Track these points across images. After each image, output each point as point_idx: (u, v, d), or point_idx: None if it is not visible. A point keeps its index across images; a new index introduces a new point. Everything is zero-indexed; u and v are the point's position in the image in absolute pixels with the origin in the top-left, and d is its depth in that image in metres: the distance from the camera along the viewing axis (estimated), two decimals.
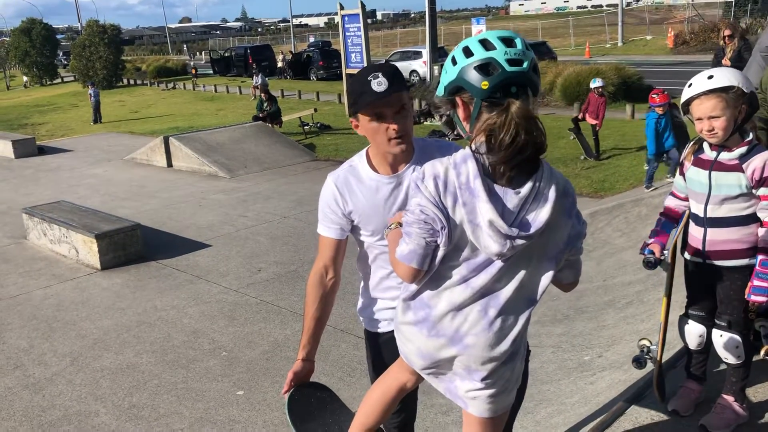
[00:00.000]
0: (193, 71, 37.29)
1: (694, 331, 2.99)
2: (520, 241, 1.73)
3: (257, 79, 25.77)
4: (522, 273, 1.84)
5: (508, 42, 1.72)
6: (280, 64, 37.31)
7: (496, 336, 1.85)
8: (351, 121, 2.32)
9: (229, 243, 8.01)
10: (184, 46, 73.23)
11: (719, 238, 2.78)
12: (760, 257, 2.71)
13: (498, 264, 1.81)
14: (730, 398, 2.93)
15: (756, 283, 2.70)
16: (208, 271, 7.08)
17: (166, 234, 8.48)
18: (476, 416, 1.98)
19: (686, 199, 2.97)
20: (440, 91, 1.84)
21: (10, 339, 5.70)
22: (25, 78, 45.85)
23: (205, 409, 4.45)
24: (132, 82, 39.79)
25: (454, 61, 1.78)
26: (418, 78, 26.73)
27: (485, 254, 1.79)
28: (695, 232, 2.87)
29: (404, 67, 28.75)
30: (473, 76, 1.72)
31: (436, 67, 22.06)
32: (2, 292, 6.81)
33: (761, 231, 2.71)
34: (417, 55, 28.06)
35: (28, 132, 20.16)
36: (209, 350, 5.28)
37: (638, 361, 3.21)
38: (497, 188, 1.74)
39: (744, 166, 2.68)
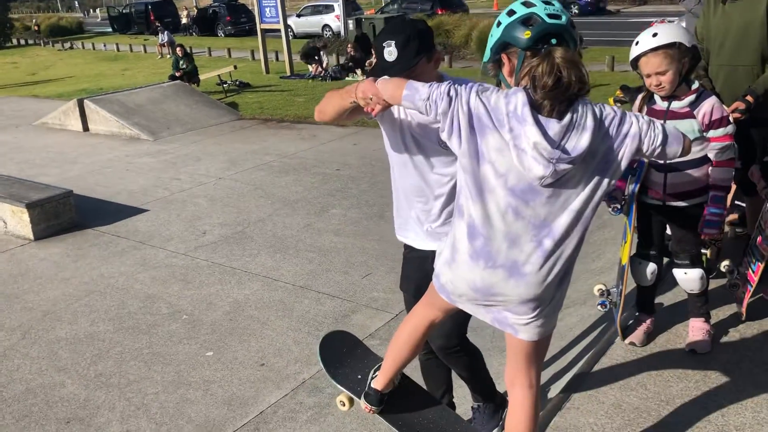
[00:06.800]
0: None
1: (650, 269, 3.25)
2: (562, 166, 1.87)
3: (163, 37, 24.82)
4: (571, 196, 1.94)
5: (546, 1, 1.91)
6: (184, 20, 35.90)
7: (551, 262, 1.97)
8: None
9: (166, 207, 7.83)
10: (75, 2, 69.01)
11: (678, 180, 3.04)
12: (711, 193, 2.99)
13: (546, 192, 1.92)
14: (700, 320, 3.25)
15: (708, 217, 2.98)
16: (150, 236, 6.92)
17: (97, 200, 8.16)
18: (525, 341, 2.10)
19: None
20: (487, 56, 1.99)
21: None
22: None
23: (176, 372, 4.44)
24: (23, 42, 37.29)
25: (498, 24, 1.96)
26: (331, 33, 26.40)
27: (530, 179, 1.90)
28: (656, 177, 3.11)
29: (316, 21, 28.31)
30: (517, 30, 1.89)
31: (350, 21, 21.81)
32: None
33: (713, 170, 2.99)
34: (328, 9, 27.62)
35: None
36: (168, 314, 5.23)
37: (604, 305, 3.44)
38: (541, 118, 1.88)
39: (696, 112, 2.95)
